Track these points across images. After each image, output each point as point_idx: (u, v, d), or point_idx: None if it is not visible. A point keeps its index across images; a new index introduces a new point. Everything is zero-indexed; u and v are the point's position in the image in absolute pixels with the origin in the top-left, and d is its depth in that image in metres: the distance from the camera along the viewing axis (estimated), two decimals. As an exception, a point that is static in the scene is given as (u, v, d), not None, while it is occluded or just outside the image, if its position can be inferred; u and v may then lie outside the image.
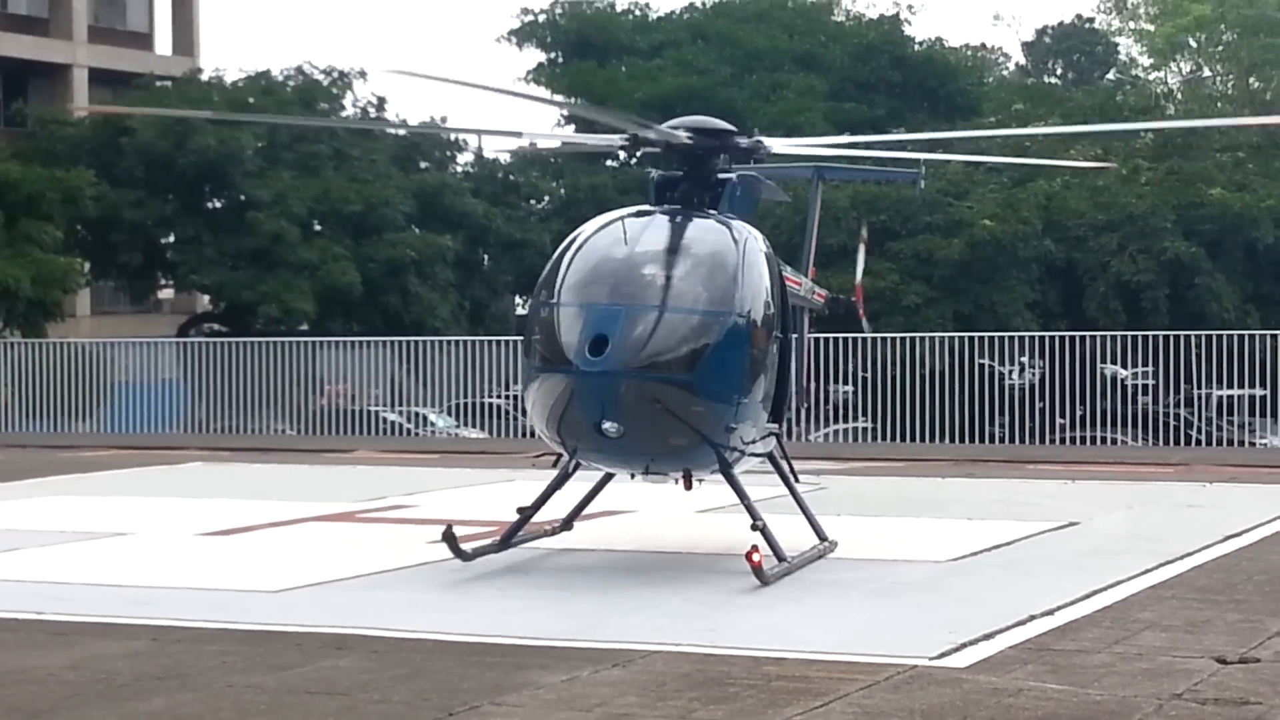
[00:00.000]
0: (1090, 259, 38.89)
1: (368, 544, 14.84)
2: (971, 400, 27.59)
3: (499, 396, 30.71)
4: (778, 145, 14.49)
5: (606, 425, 12.10)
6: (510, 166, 51.21)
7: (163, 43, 61.63)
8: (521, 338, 13.39)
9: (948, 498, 18.76)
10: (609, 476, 14.01)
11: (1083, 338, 28.46)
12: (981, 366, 28.28)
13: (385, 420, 31.31)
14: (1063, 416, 28.08)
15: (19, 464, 23.93)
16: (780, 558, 12.71)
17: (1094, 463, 23.44)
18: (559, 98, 52.16)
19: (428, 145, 49.42)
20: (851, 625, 10.90)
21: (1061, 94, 55.28)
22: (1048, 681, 9.00)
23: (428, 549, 13.73)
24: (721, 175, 13.59)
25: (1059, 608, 11.14)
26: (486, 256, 48.82)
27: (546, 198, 51.32)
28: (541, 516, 13.66)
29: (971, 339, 29.14)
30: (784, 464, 13.85)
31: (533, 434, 18.00)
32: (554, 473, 13.41)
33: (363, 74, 49.24)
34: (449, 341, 31.78)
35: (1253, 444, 28.06)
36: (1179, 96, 57.19)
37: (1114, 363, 30.86)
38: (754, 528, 12.64)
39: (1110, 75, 71.16)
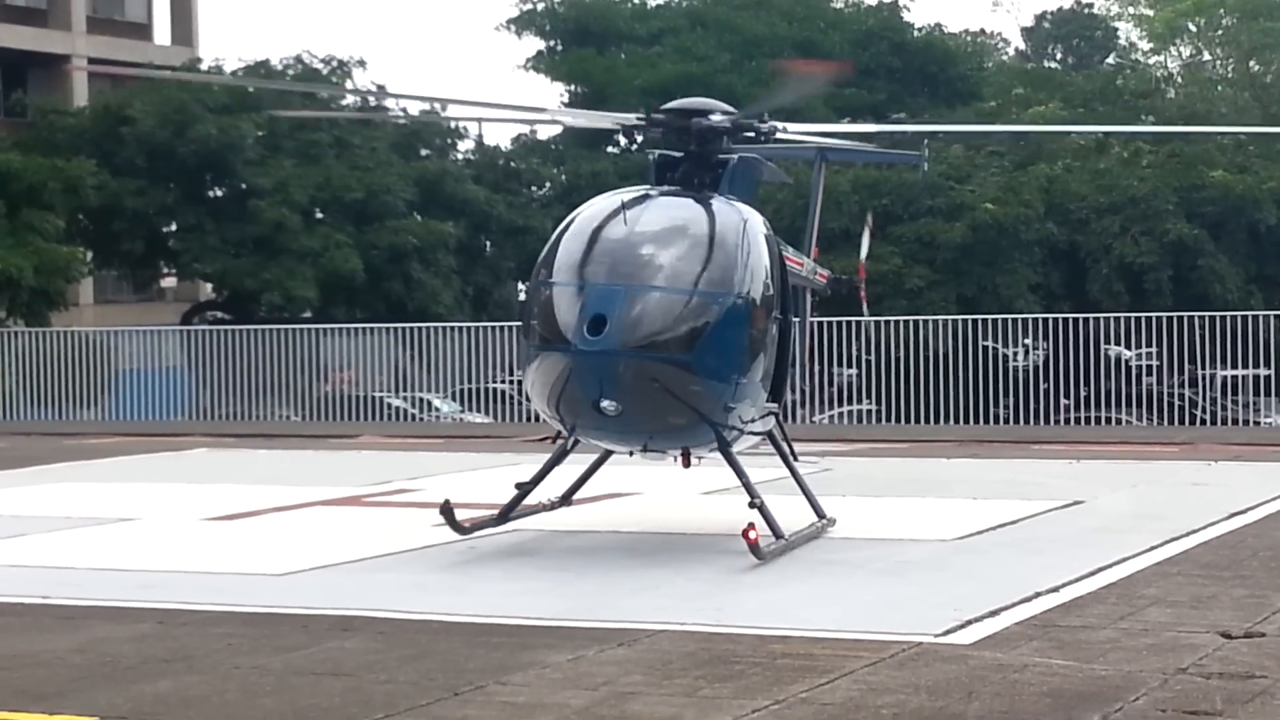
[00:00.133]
0: (1093, 241, 38.86)
1: (373, 527, 14.84)
2: (976, 382, 27.59)
3: (503, 382, 30.73)
4: (789, 130, 14.48)
5: (605, 404, 12.12)
6: (511, 153, 51.14)
7: (161, 33, 61.68)
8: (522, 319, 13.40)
9: (953, 478, 18.75)
10: (607, 454, 14.03)
11: (1086, 319, 28.45)
12: (985, 349, 28.27)
13: (390, 406, 31.36)
14: (1067, 398, 28.09)
15: (24, 451, 23.94)
16: (778, 535, 12.73)
17: (1099, 443, 23.43)
18: (559, 91, 52.16)
19: (428, 133, 49.39)
20: (857, 603, 10.91)
21: (1061, 79, 55.20)
22: (1053, 657, 9.01)
23: (433, 532, 13.73)
24: (722, 156, 13.58)
25: (1064, 585, 11.15)
26: (489, 243, 48.81)
27: (548, 184, 51.28)
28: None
29: (975, 321, 29.13)
30: (784, 444, 13.86)
31: (537, 418, 18.02)
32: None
33: (362, 63, 49.26)
34: (453, 327, 31.78)
35: (1257, 423, 28.07)
36: (1179, 80, 57.15)
37: (1118, 344, 30.87)
38: (752, 505, 12.67)
39: (1110, 60, 71.12)
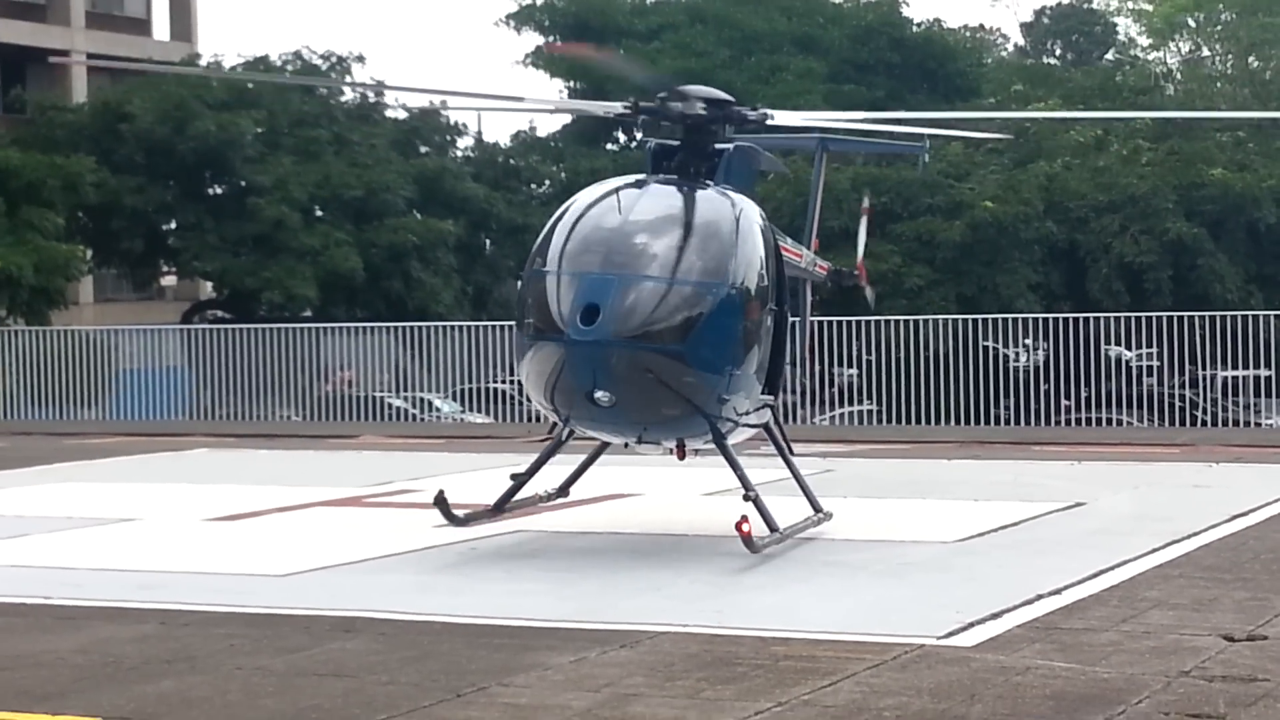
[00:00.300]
0: (1092, 240, 38.84)
1: (374, 528, 14.84)
2: (976, 383, 27.58)
3: (503, 381, 30.71)
4: (780, 117, 14.44)
5: (598, 395, 12.11)
6: (510, 151, 51.07)
7: (160, 28, 61.65)
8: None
9: (954, 479, 18.72)
10: (604, 445, 14.01)
11: (1086, 319, 28.42)
12: (985, 349, 28.25)
13: (390, 406, 31.34)
14: (1068, 398, 28.07)
15: (25, 451, 23.93)
16: (772, 528, 12.72)
17: (1100, 444, 23.42)
18: (559, 87, 52.12)
19: (427, 130, 49.37)
20: (859, 605, 10.91)
21: (1060, 74, 55.16)
22: (1055, 660, 9.01)
23: (434, 533, 13.74)
24: (719, 145, 13.54)
25: (1066, 587, 11.15)
26: (488, 241, 48.80)
27: (547, 182, 51.26)
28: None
29: (975, 321, 29.10)
30: (781, 438, 13.84)
31: (538, 418, 18.01)
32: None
33: (361, 58, 49.24)
34: (453, 327, 31.76)
35: (1258, 425, 28.04)
36: (1178, 76, 57.06)
37: (1118, 344, 30.84)
38: (746, 498, 12.65)
39: (1109, 55, 71.04)
